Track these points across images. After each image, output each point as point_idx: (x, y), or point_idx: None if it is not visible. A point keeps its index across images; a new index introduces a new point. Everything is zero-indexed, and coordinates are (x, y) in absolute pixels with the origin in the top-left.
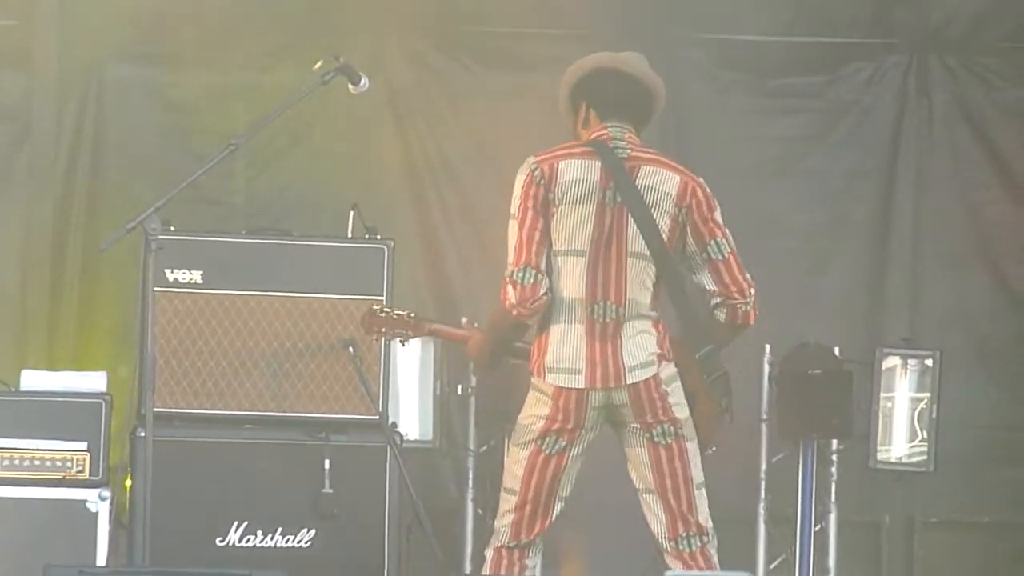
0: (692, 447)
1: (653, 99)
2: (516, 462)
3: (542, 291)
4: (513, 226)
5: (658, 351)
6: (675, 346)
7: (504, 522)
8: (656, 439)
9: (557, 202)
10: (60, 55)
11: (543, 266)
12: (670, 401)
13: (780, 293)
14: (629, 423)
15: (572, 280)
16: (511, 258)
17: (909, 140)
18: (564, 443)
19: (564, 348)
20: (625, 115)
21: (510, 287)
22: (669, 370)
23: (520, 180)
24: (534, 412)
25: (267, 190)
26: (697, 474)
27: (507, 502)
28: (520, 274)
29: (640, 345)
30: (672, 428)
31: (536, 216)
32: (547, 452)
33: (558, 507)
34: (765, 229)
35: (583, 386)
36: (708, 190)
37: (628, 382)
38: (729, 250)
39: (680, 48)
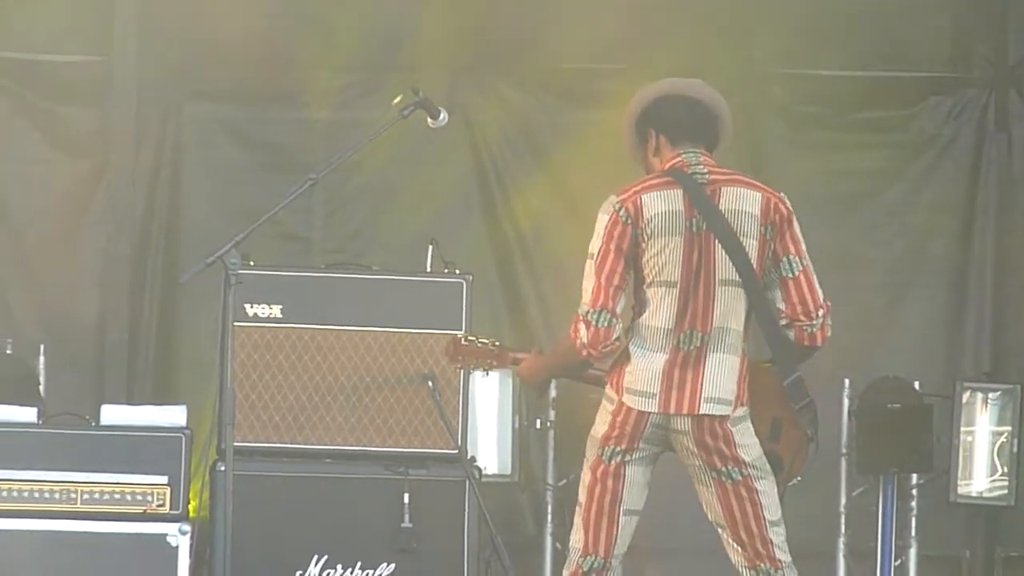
0: (763, 485)
1: (720, 121)
2: (584, 473)
3: (615, 335)
4: (590, 266)
5: (737, 392)
6: (760, 372)
7: (574, 538)
8: (723, 479)
9: (647, 237)
10: (138, 91)
11: (618, 310)
12: (736, 441)
13: (860, 327)
14: (692, 458)
15: (662, 311)
16: (587, 297)
17: (989, 174)
18: (622, 452)
19: (644, 373)
20: (697, 138)
21: (583, 326)
22: (740, 412)
23: (603, 220)
24: (599, 423)
25: (346, 225)
26: (773, 512)
27: (577, 515)
28: (595, 316)
29: (724, 380)
30: (738, 469)
31: (617, 258)
32: (606, 461)
33: (624, 520)
34: (844, 263)
35: (655, 411)
36: (789, 204)
37: (700, 411)
38: (800, 268)
39: (758, 83)
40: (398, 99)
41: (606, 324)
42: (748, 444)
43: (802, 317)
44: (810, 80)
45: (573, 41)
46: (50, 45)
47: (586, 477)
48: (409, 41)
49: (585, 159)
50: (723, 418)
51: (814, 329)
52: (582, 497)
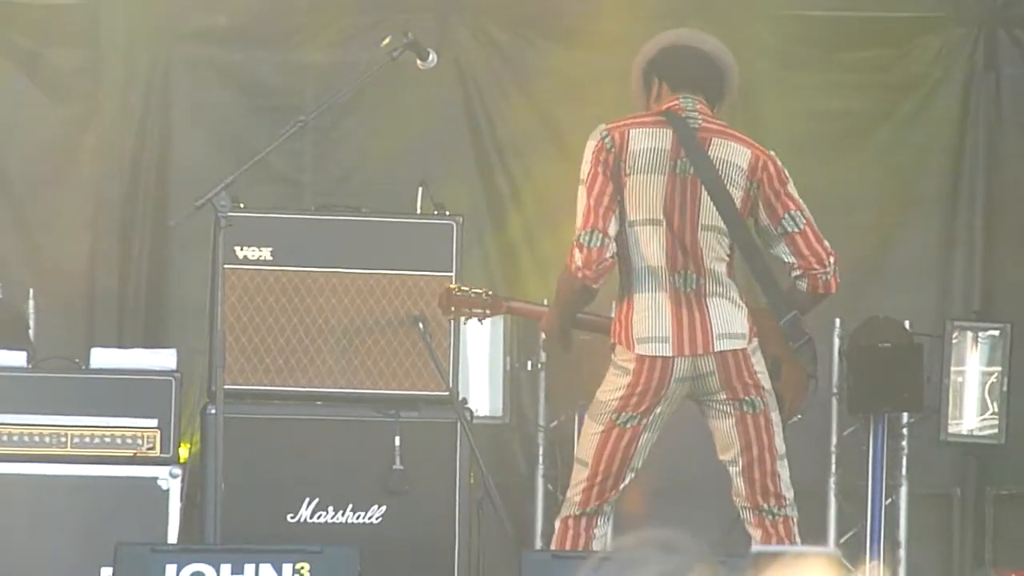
0: (775, 417)
1: (725, 77)
2: (591, 435)
3: (608, 254)
4: (581, 191)
5: (749, 325)
6: (758, 315)
7: (574, 492)
8: (745, 409)
9: (628, 171)
10: (127, 33)
11: (610, 230)
12: (756, 369)
13: (849, 267)
14: (716, 394)
15: (651, 249)
16: (579, 222)
17: (978, 113)
18: (639, 417)
19: (651, 317)
20: (698, 88)
21: (576, 250)
22: (755, 343)
23: (590, 146)
24: (613, 387)
25: (336, 168)
26: (780, 445)
27: (579, 472)
28: (587, 237)
29: (731, 315)
30: (760, 399)
31: (606, 181)
32: (621, 426)
33: (628, 477)
34: (834, 204)
35: (670, 354)
36: (779, 163)
37: (716, 349)
38: (804, 221)
39: (747, 24)
40: (386, 40)
41: (598, 244)
42: (764, 372)
43: (816, 266)
44: (797, 20)
45: None
46: None
47: (593, 440)
48: None
49: (576, 101)
50: (742, 350)
51: (828, 276)
52: (586, 457)
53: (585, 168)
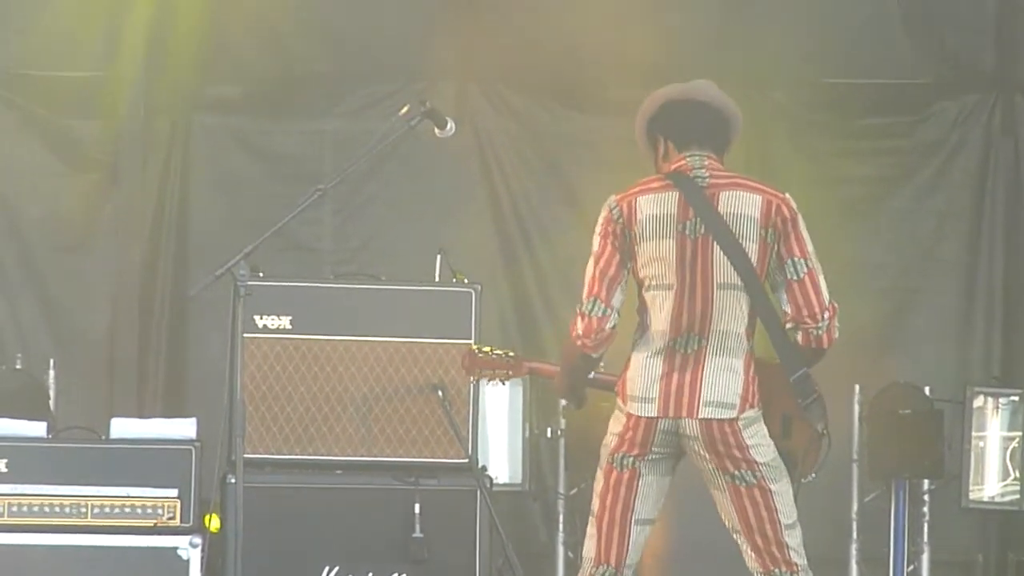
0: (778, 487)
1: (729, 123)
2: (596, 482)
3: (608, 324)
4: (590, 262)
5: (742, 394)
6: (770, 370)
7: (587, 547)
8: (738, 483)
9: (638, 239)
10: (146, 103)
11: (614, 301)
12: (747, 443)
13: (869, 333)
14: (705, 461)
15: (661, 314)
16: (584, 291)
17: (996, 178)
18: (632, 459)
19: (643, 377)
20: (704, 142)
21: (578, 318)
22: (751, 413)
23: (600, 218)
24: (613, 429)
25: (355, 236)
26: (788, 514)
27: (591, 524)
28: (589, 306)
29: (724, 383)
30: (751, 471)
31: (613, 252)
32: (618, 467)
33: (636, 530)
34: (853, 270)
35: (654, 415)
36: (793, 205)
37: (700, 416)
38: (806, 270)
39: (765, 90)
40: (405, 109)
41: (600, 313)
42: (761, 445)
43: (807, 320)
44: (815, 87)
45: (579, 49)
46: (59, 60)
47: (598, 485)
48: (418, 52)
49: (593, 167)
50: (730, 421)
51: (820, 332)
52: (594, 505)
53: (595, 240)
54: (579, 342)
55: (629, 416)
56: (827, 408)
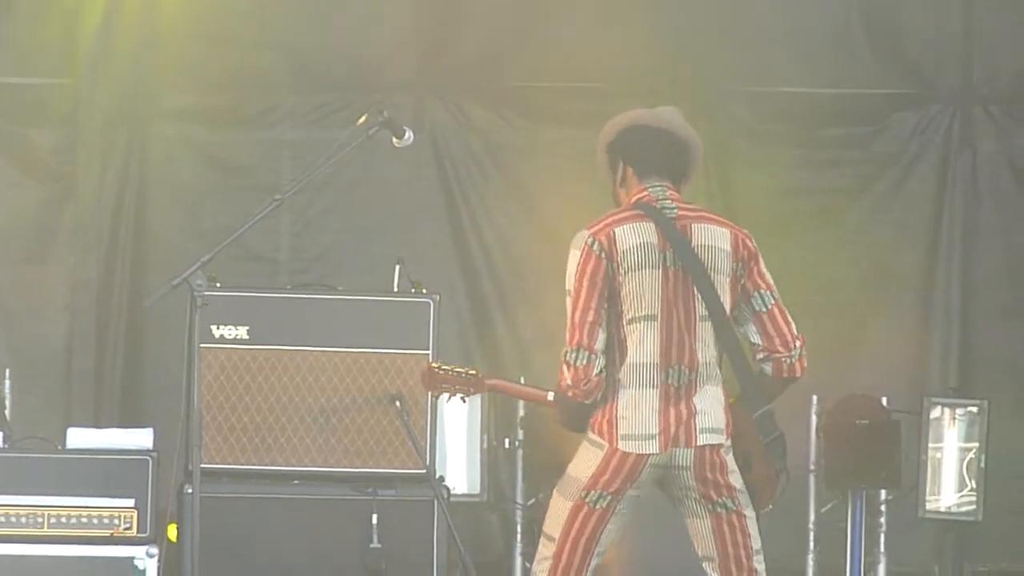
0: (750, 513)
1: (690, 154)
2: (560, 510)
3: (595, 372)
4: (568, 303)
5: (725, 421)
6: (732, 409)
7: (540, 568)
8: (719, 511)
9: (623, 271)
10: (104, 112)
11: (596, 345)
12: (729, 468)
13: (827, 344)
14: (689, 490)
15: (645, 346)
16: (566, 338)
17: (955, 190)
18: (609, 497)
19: (638, 415)
20: (664, 172)
21: (564, 368)
22: (729, 443)
23: (575, 255)
24: (585, 463)
25: (312, 246)
26: (756, 540)
27: (546, 548)
28: (572, 355)
29: (715, 409)
30: (731, 498)
31: (590, 292)
32: (591, 505)
33: (594, 562)
34: (812, 281)
35: (656, 451)
36: (753, 241)
37: (698, 443)
38: (772, 301)
39: (724, 101)
40: (363, 119)
41: (584, 361)
42: (735, 472)
43: (780, 349)
44: (773, 97)
45: (540, 60)
46: (16, 68)
47: (561, 515)
48: (377, 62)
49: (552, 178)
50: (719, 447)
51: (792, 360)
52: (554, 533)
53: (570, 279)
54: (569, 393)
55: (615, 452)
56: (786, 445)
